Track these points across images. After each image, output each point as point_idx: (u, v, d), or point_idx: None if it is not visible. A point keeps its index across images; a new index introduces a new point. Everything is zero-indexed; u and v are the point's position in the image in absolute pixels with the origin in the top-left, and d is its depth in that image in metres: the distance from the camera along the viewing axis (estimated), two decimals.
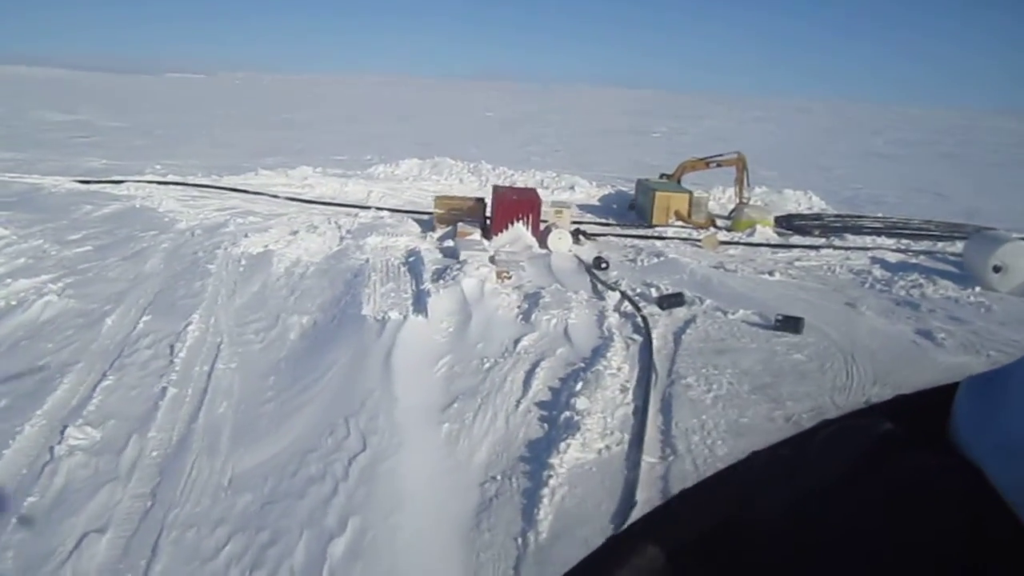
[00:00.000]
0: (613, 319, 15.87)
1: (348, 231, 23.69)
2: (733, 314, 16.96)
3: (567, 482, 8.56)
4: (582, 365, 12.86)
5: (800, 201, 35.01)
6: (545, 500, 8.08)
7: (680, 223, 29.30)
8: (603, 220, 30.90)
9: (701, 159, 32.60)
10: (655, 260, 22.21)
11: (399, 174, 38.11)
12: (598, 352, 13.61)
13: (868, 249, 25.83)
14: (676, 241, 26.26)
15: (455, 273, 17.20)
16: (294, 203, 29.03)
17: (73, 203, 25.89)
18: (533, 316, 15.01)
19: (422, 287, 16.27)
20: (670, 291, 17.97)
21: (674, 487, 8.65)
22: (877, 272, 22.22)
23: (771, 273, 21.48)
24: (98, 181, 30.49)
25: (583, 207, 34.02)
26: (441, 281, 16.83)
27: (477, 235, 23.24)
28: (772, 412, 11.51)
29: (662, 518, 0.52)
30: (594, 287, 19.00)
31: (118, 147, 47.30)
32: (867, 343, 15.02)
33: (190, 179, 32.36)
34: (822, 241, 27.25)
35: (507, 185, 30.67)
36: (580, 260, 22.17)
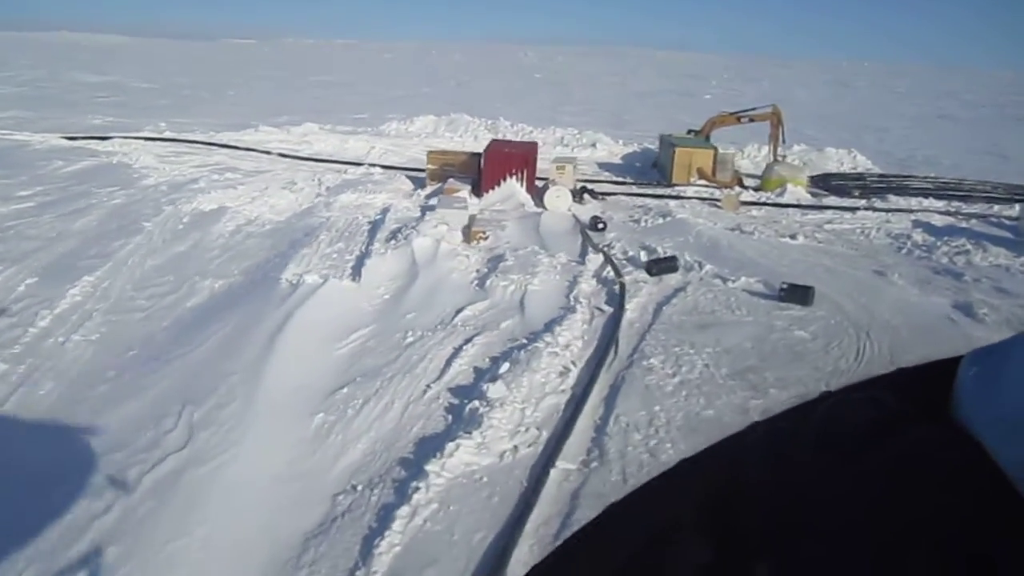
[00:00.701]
0: (586, 286, 13.54)
1: (327, 188, 21.63)
2: (734, 282, 14.48)
3: (440, 498, 6.38)
4: (524, 341, 10.57)
5: (843, 160, 31.86)
6: (397, 524, 5.91)
7: (703, 182, 26.55)
8: (620, 179, 28.32)
9: (731, 113, 29.69)
10: (660, 221, 19.73)
11: (412, 131, 35.96)
12: (552, 325, 11.29)
13: (912, 211, 22.87)
14: (694, 201, 23.69)
15: (408, 232, 14.90)
16: (284, 159, 27.05)
17: (46, 159, 24.32)
18: (488, 282, 12.76)
19: (369, 247, 14.03)
20: (665, 255, 15.44)
21: (587, 506, 6.20)
22: (918, 236, 19.42)
23: (794, 237, 18.85)
24: (84, 137, 28.93)
25: (603, 165, 31.58)
26: (393, 241, 14.58)
27: (465, 192, 20.90)
28: (748, 402, 9.17)
29: (663, 486, 0.50)
30: (584, 250, 16.58)
31: (135, 106, 46.12)
32: (889, 318, 12.45)
33: (185, 135, 30.60)
34: (861, 203, 24.26)
35: (509, 140, 28.08)
36: (577, 220, 19.72)
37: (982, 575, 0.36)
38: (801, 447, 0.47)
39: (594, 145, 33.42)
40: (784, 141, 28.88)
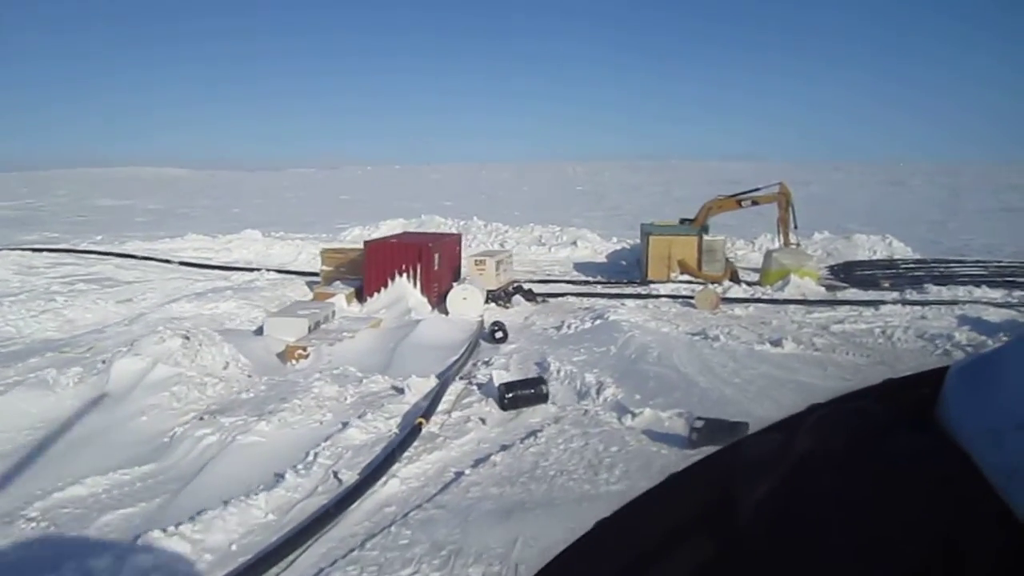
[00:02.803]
0: (357, 432, 7.87)
1: (170, 298, 16.59)
2: (634, 416, 8.72)
3: None
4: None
5: (876, 249, 25.82)
6: None
7: (687, 277, 20.87)
8: (588, 278, 22.85)
9: (731, 196, 24.16)
10: (588, 325, 13.99)
11: (374, 236, 31.17)
12: (197, 516, 5.65)
13: (958, 303, 16.71)
14: (664, 300, 17.88)
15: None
16: (181, 268, 22.48)
17: None
18: (182, 431, 7.20)
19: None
20: (531, 376, 9.81)
21: None
22: (962, 336, 13.50)
23: (778, 343, 12.91)
24: None
25: (582, 265, 26.28)
26: (101, 364, 9.23)
27: (341, 297, 15.66)
28: None
29: (651, 502, 0.52)
30: (452, 373, 11.10)
31: (108, 225, 42.54)
32: None
33: (96, 246, 26.51)
34: (891, 296, 18.23)
35: (416, 232, 22.76)
36: (482, 328, 14.24)
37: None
38: (790, 458, 0.45)
39: (575, 243, 28.11)
40: (796, 226, 23.13)
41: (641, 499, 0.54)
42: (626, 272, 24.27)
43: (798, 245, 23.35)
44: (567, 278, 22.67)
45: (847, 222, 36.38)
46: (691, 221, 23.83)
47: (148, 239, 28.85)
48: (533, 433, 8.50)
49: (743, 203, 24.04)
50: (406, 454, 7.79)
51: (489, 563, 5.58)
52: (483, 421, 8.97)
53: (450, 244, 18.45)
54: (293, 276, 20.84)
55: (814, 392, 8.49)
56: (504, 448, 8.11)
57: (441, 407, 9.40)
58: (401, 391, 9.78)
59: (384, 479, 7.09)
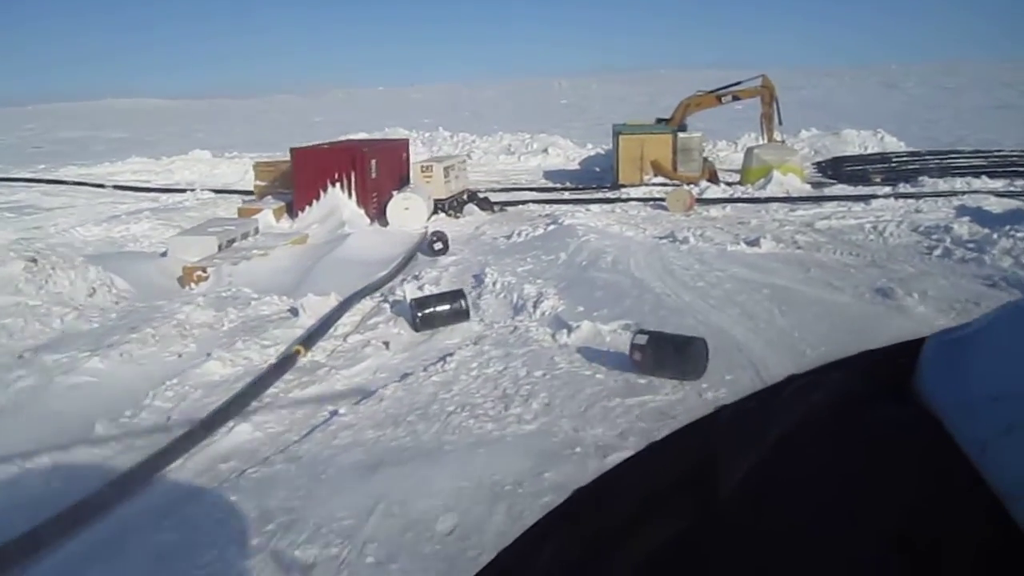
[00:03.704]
0: (213, 364, 6.24)
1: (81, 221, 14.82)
2: (570, 332, 7.07)
3: None
4: None
5: (867, 144, 23.92)
6: None
7: (662, 179, 19.06)
8: (555, 185, 21.10)
9: (710, 92, 22.03)
10: (539, 231, 12.33)
11: None
12: None
13: (956, 194, 15.04)
14: (633, 204, 16.16)
15: None
16: (115, 192, 20.66)
17: None
18: None
19: None
20: (448, 291, 8.16)
21: None
22: (963, 229, 11.87)
23: (755, 243, 11.23)
24: None
25: (552, 173, 24.48)
26: None
27: (268, 212, 13.87)
28: None
29: (629, 471, 0.51)
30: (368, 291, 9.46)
31: (62, 155, 40.21)
32: None
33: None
34: (884, 191, 16.53)
35: (354, 139, 20.64)
36: (423, 241, 12.57)
37: (931, 550, 0.37)
38: (768, 428, 0.46)
39: (546, 150, 26.21)
40: (781, 122, 21.14)
41: (619, 468, 0.52)
42: (599, 179, 22.48)
43: (783, 142, 21.47)
44: (533, 186, 20.88)
45: (837, 122, 34.34)
46: (668, 121, 21.81)
47: (88, 165, 26.83)
48: (444, 358, 6.85)
49: (723, 99, 22.01)
50: (272, 390, 6.16)
51: (327, 542, 4.00)
52: (386, 345, 7.36)
53: (393, 150, 16.56)
54: (230, 196, 18.99)
55: (791, 298, 6.74)
56: (404, 378, 6.50)
57: (341, 330, 7.75)
58: (297, 313, 8.10)
59: (230, 425, 5.46)
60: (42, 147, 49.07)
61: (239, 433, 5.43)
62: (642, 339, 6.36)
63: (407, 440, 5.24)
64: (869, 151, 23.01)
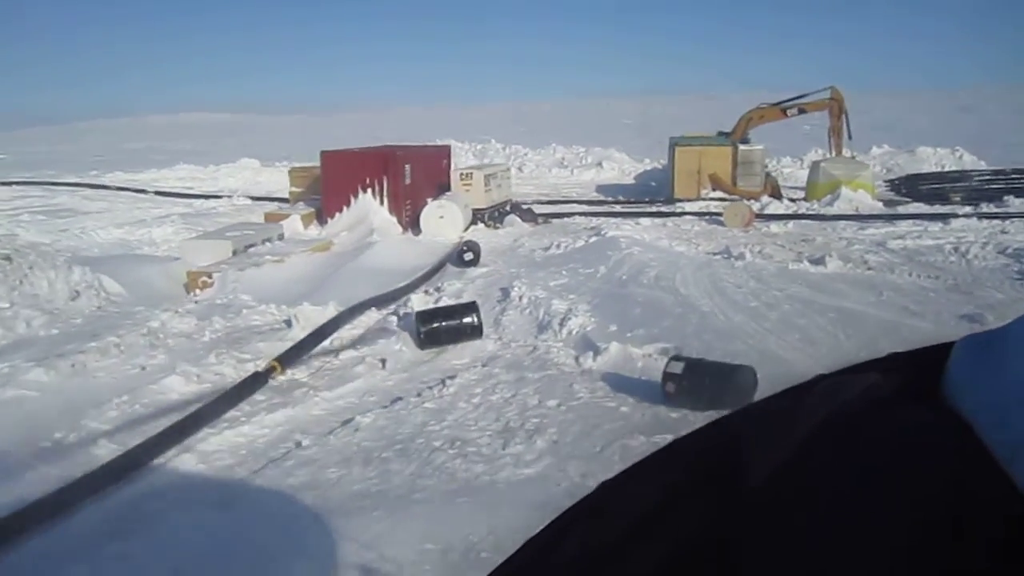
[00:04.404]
0: (175, 380, 5.35)
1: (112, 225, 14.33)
2: (598, 355, 5.99)
3: None
4: None
5: (944, 162, 22.28)
6: None
7: (720, 193, 17.85)
8: (606, 198, 20.07)
9: (775, 104, 20.72)
10: (580, 243, 11.29)
11: None
12: None
13: None
14: (691, 219, 15.10)
15: None
16: (156, 197, 20.38)
17: None
18: None
19: None
20: (464, 302, 7.15)
21: None
22: None
23: (819, 261, 10.02)
24: None
25: (605, 187, 23.33)
26: None
27: (297, 218, 13.13)
28: None
29: (654, 465, 0.50)
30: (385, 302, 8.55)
31: (119, 163, 40.71)
32: None
33: (77, 179, 24.57)
34: (965, 211, 15.07)
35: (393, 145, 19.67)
36: (454, 252, 11.66)
37: (963, 549, 0.37)
38: (795, 426, 0.45)
39: (600, 164, 25.14)
40: (850, 137, 19.70)
41: (645, 461, 0.51)
42: (655, 193, 21.33)
43: (852, 157, 20.05)
44: (582, 200, 19.84)
45: (910, 142, 32.49)
46: (730, 135, 20.53)
47: (136, 171, 26.71)
48: (445, 380, 5.84)
49: (789, 112, 20.67)
50: (235, 413, 5.22)
51: None
52: (382, 364, 6.36)
53: (432, 157, 15.68)
54: (269, 203, 18.37)
55: (861, 322, 5.43)
56: (393, 403, 5.49)
57: (337, 345, 6.80)
58: (290, 324, 7.18)
59: (169, 455, 4.52)
60: (103, 156, 49.87)
61: (176, 467, 4.49)
62: (677, 367, 5.25)
63: (374, 483, 4.23)
64: (947, 169, 21.35)
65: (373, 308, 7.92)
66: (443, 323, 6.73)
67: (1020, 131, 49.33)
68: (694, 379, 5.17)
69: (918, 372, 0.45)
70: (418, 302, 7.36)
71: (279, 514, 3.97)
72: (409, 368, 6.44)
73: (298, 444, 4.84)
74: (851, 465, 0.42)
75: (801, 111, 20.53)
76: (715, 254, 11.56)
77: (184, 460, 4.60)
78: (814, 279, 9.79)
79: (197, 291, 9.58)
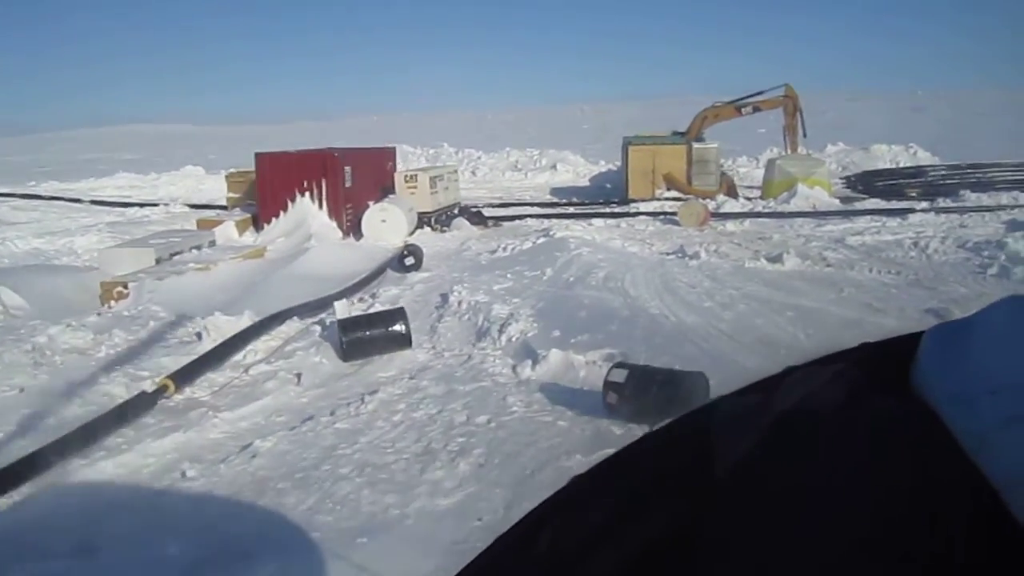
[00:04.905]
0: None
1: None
2: (537, 363, 5.36)
3: None
4: None
5: (898, 158, 22.13)
6: None
7: (676, 192, 17.41)
8: (557, 200, 19.59)
9: (729, 102, 20.37)
10: (528, 245, 10.68)
11: None
12: None
13: (1004, 208, 13.33)
14: (645, 219, 14.61)
15: None
16: (86, 207, 19.37)
17: None
18: None
19: None
20: (391, 308, 6.51)
21: None
22: (1018, 244, 10.07)
23: (777, 259, 9.55)
24: None
25: (560, 189, 22.85)
26: None
27: (231, 224, 12.37)
28: None
29: (626, 459, 0.50)
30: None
31: (62, 173, 39.35)
32: None
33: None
34: (922, 205, 14.83)
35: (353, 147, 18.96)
36: (395, 256, 10.99)
37: (937, 539, 0.37)
38: (766, 418, 0.45)
39: (554, 167, 24.61)
40: (805, 134, 19.39)
41: (617, 456, 0.51)
42: (610, 195, 20.84)
43: (808, 155, 19.77)
44: (535, 202, 19.30)
45: (866, 140, 32.51)
46: (684, 134, 20.12)
47: (72, 181, 25.65)
48: (364, 396, 5.19)
49: (744, 110, 20.36)
50: (116, 440, 4.53)
51: None
52: (297, 378, 5.70)
53: (375, 158, 15.01)
54: (207, 210, 17.56)
55: (821, 320, 4.93)
56: (303, 423, 4.84)
57: (251, 358, 6.12)
58: (200, 337, 6.48)
59: (23, 491, 3.82)
60: (50, 167, 48.34)
61: (32, 506, 3.79)
62: (619, 375, 4.68)
63: (261, 520, 3.57)
64: (902, 166, 21.21)
65: (295, 317, 7.24)
66: (367, 332, 6.10)
67: (972, 130, 49.97)
68: (638, 388, 4.60)
69: (887, 362, 0.45)
70: (341, 309, 6.70)
71: (147, 562, 3.30)
72: (328, 382, 5.79)
73: (183, 475, 4.16)
74: (819, 456, 0.41)
75: (756, 109, 20.21)
76: (669, 254, 11.10)
77: (42, 498, 3.91)
78: (771, 277, 9.34)
79: (112, 302, 8.83)
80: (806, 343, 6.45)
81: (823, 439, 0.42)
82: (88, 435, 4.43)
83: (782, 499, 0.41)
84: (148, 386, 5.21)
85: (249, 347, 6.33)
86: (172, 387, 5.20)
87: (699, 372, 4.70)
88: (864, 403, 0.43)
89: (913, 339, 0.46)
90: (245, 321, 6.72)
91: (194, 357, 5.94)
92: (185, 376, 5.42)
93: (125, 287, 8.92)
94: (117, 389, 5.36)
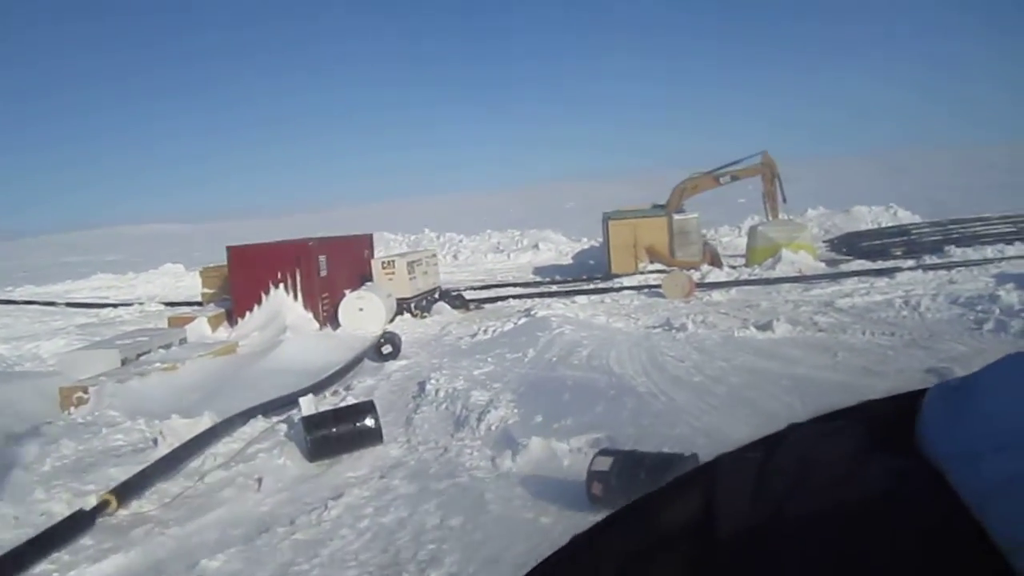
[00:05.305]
0: None
1: None
2: (517, 454, 4.92)
3: None
4: None
5: (880, 219, 22.13)
6: None
7: (660, 264, 17.20)
8: (541, 279, 19.32)
9: (707, 173, 20.38)
10: (509, 327, 10.33)
11: None
12: None
13: (992, 262, 13.14)
14: (630, 293, 14.34)
15: None
16: (59, 309, 18.95)
17: None
18: None
19: None
20: (360, 401, 6.10)
21: None
22: (1010, 297, 9.82)
23: (767, 327, 9.23)
24: None
25: (542, 269, 22.69)
26: None
27: (203, 320, 12.00)
28: None
29: (627, 518, 0.50)
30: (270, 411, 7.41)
31: (38, 277, 39.03)
32: None
33: None
34: (908, 263, 14.64)
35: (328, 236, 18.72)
36: (372, 344, 10.60)
37: None
38: (768, 477, 0.45)
39: (536, 246, 24.46)
40: (785, 200, 19.35)
41: (618, 514, 0.50)
42: (593, 271, 20.62)
43: (789, 220, 19.69)
44: (518, 282, 19.04)
45: (845, 203, 32.70)
46: (664, 207, 20.06)
47: (50, 284, 25.29)
48: (327, 502, 4.73)
49: (722, 180, 20.34)
50: (47, 566, 4.03)
51: None
52: (259, 483, 5.23)
53: (351, 246, 14.74)
54: (183, 306, 17.20)
55: (818, 389, 4.52)
56: (262, 534, 4.36)
57: (207, 464, 5.66)
58: (156, 443, 6.02)
59: None
60: (27, 272, 48.06)
61: None
62: (604, 463, 4.27)
63: None
64: (883, 226, 21.16)
65: (260, 416, 6.79)
66: (334, 429, 5.66)
67: (948, 188, 50.64)
68: (626, 476, 4.18)
69: (890, 419, 0.44)
70: (307, 406, 6.28)
71: None
72: (292, 486, 5.33)
73: None
74: (825, 516, 0.40)
75: (734, 178, 20.21)
76: (655, 327, 10.76)
77: None
78: (762, 346, 8.99)
79: (71, 408, 8.35)
80: (804, 414, 6.06)
81: (826, 499, 0.41)
82: (17, 563, 3.94)
83: (783, 559, 0.39)
84: (89, 502, 4.73)
85: (209, 451, 5.86)
86: (114, 503, 4.72)
87: (692, 454, 4.28)
88: (867, 461, 0.42)
89: (916, 396, 0.44)
90: (205, 423, 6.27)
91: (144, 466, 5.47)
92: (131, 489, 4.95)
93: (85, 392, 8.45)
94: (58, 507, 4.88)
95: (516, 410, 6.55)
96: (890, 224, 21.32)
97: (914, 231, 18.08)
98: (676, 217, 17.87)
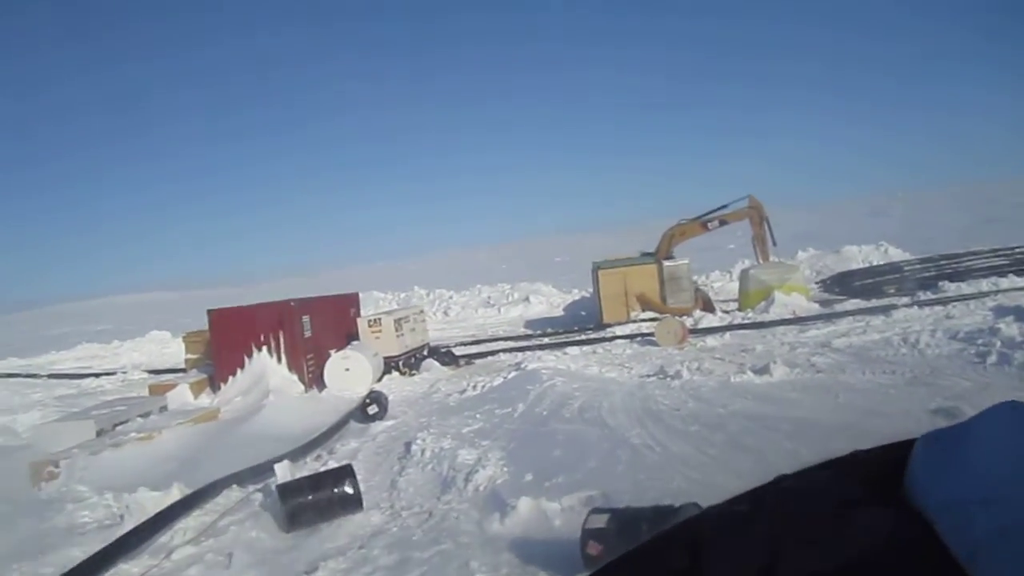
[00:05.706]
0: None
1: None
2: (506, 515, 4.54)
3: None
4: None
5: (870, 258, 22.00)
6: None
7: (652, 312, 16.95)
8: (537, 332, 19.05)
9: (695, 219, 20.22)
10: (499, 381, 10.03)
11: None
12: None
13: (988, 295, 12.94)
14: (623, 342, 14.05)
15: None
16: (42, 381, 18.54)
17: None
18: None
19: None
20: (338, 466, 5.77)
21: None
22: (1011, 329, 9.56)
23: (764, 370, 8.92)
24: None
25: (533, 322, 22.43)
26: None
27: (185, 387, 11.65)
28: None
29: (621, 568, 0.50)
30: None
31: (19, 349, 38.54)
32: None
33: None
34: (903, 300, 14.43)
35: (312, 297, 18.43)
36: (358, 406, 10.25)
37: None
38: (757, 529, 0.45)
39: (527, 299, 24.20)
40: (775, 243, 19.17)
41: (611, 566, 0.50)
42: (585, 322, 20.36)
43: (781, 262, 19.51)
44: (509, 336, 18.76)
45: (835, 244, 32.65)
46: (653, 254, 19.87)
47: (34, 355, 24.88)
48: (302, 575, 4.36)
49: (710, 225, 20.18)
50: None
51: None
52: (228, 559, 4.85)
53: (336, 306, 14.46)
54: (168, 374, 16.83)
55: (821, 433, 4.27)
56: None
57: (175, 539, 5.28)
58: (123, 519, 5.64)
59: None
60: (13, 344, 47.50)
61: None
62: (599, 520, 3.95)
63: None
64: (875, 264, 21.01)
65: (235, 486, 6.42)
66: (311, 496, 5.32)
67: (933, 226, 50.80)
68: (623, 534, 3.84)
69: (879, 471, 0.44)
70: (282, 473, 5.92)
71: None
72: (265, 560, 4.96)
73: None
74: (814, 569, 0.39)
75: (722, 222, 20.06)
76: (648, 376, 10.47)
77: None
78: (760, 390, 8.70)
79: (42, 484, 7.96)
80: (808, 460, 5.73)
81: (813, 552, 0.39)
82: None
83: None
84: None
85: (177, 525, 5.49)
86: None
87: (692, 503, 3.96)
88: (855, 513, 0.40)
89: (905, 446, 0.44)
90: (174, 495, 5.90)
91: (104, 546, 5.09)
92: (88, 573, 4.57)
93: (56, 465, 8.08)
94: None
95: (505, 468, 6.21)
96: (881, 262, 21.18)
97: (906, 268, 17.91)
98: (666, 264, 17.68)
